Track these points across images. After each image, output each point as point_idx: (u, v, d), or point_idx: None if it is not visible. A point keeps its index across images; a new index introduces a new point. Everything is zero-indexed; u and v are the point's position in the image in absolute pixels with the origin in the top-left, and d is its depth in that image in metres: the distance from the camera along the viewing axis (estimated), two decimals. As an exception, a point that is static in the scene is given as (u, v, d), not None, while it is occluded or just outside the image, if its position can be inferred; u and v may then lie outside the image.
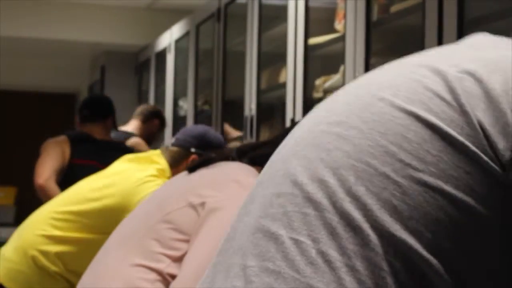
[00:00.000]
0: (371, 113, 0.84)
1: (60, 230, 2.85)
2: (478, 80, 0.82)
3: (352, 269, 0.77)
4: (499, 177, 0.78)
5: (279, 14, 4.18)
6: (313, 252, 0.79)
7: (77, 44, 7.48)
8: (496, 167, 0.78)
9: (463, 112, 0.80)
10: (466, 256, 0.78)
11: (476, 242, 0.78)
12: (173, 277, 1.68)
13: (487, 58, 0.85)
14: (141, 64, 7.33)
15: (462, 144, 0.79)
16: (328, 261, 0.78)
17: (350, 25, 3.30)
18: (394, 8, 3.16)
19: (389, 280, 0.77)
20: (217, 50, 5.10)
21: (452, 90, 0.82)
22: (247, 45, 4.52)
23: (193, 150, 3.01)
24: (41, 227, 2.87)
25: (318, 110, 0.94)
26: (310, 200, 0.82)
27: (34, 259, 2.83)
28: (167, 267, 1.69)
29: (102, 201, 2.86)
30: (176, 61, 6.17)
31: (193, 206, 1.73)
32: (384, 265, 0.77)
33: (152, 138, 5.10)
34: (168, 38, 6.34)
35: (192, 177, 1.84)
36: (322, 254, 0.79)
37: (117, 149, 4.12)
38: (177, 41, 6.14)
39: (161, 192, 1.89)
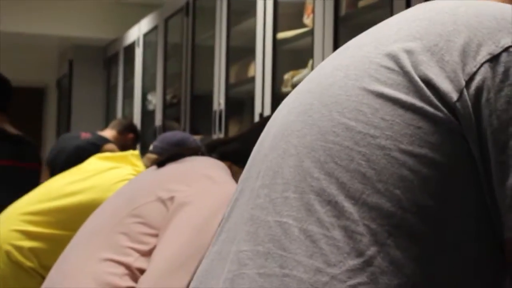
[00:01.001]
0: (329, 96, 0.93)
1: (34, 226, 2.82)
2: (419, 39, 0.90)
3: (330, 238, 0.85)
4: (446, 123, 0.85)
5: (248, 9, 4.19)
6: (296, 230, 0.87)
7: (44, 38, 7.43)
8: (442, 115, 0.85)
9: (405, 73, 0.88)
10: (436, 202, 0.85)
11: (441, 186, 0.85)
12: (142, 271, 1.67)
13: (422, 31, 0.91)
14: (110, 58, 7.30)
15: (409, 103, 0.87)
16: (309, 236, 0.86)
17: (318, 20, 3.31)
18: (362, 3, 3.17)
19: (365, 240, 0.84)
20: (186, 44, 5.09)
21: (393, 57, 0.90)
22: (216, 40, 4.51)
23: None
24: (15, 222, 2.84)
25: (286, 103, 1.02)
26: (289, 184, 0.90)
27: (8, 254, 2.80)
28: (136, 261, 1.68)
29: (77, 196, 2.83)
30: (145, 55, 6.15)
31: (162, 201, 1.73)
32: (360, 229, 0.85)
33: (125, 150, 5.02)
34: (137, 32, 6.31)
35: (161, 172, 1.83)
36: (304, 230, 0.87)
37: (33, 146, 3.85)
38: (146, 35, 6.11)
39: (129, 187, 1.89)
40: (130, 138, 5.07)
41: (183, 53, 5.14)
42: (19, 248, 2.81)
